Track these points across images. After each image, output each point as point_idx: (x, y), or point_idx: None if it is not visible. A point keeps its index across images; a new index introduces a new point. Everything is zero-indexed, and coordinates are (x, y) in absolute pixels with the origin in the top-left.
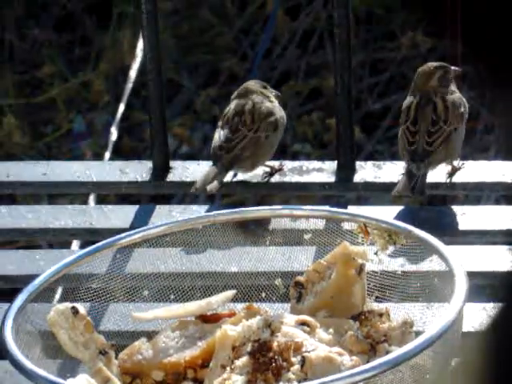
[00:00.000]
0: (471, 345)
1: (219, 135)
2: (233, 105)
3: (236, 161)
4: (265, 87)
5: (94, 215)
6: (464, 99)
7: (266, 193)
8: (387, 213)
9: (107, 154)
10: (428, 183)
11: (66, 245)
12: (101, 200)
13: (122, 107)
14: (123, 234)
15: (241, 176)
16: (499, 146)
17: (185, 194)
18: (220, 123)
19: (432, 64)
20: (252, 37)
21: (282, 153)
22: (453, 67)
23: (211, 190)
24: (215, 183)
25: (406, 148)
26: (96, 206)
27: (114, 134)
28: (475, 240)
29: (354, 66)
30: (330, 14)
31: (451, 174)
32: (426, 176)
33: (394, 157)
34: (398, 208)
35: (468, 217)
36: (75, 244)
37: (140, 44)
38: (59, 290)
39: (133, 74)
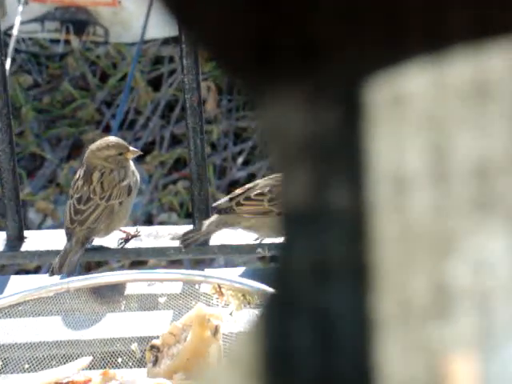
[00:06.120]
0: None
1: (70, 206)
2: (81, 172)
3: (91, 234)
4: (108, 147)
5: None
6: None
7: (123, 258)
8: (241, 273)
9: None
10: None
11: None
12: None
13: None
14: None
15: (96, 242)
16: None
17: (38, 266)
18: (70, 192)
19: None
20: (114, 108)
21: (149, 222)
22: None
23: (70, 272)
24: (73, 262)
25: None
26: None
27: None
28: None
29: (219, 135)
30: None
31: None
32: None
33: None
34: (253, 269)
35: None
36: None
37: None
38: None
39: None
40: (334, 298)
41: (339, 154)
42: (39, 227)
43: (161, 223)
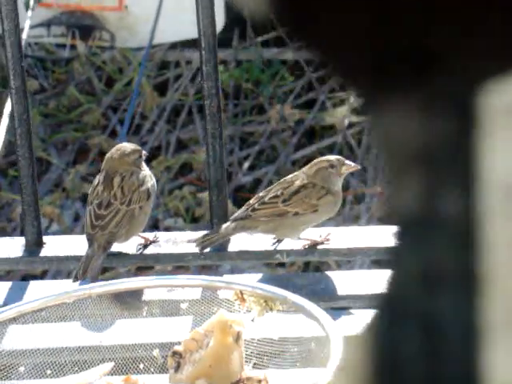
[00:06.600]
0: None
1: (90, 212)
2: (101, 178)
3: (113, 239)
4: (133, 152)
5: None
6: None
7: (141, 264)
8: (263, 279)
9: None
10: (301, 249)
11: None
12: None
13: None
14: None
15: (114, 248)
16: (370, 215)
17: (45, 270)
18: (89, 198)
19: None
20: (120, 113)
21: (155, 227)
22: (347, 162)
23: (93, 277)
24: (96, 267)
25: None
26: None
27: None
28: (350, 304)
29: (224, 140)
30: (198, 88)
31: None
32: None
33: None
34: (274, 275)
35: (342, 282)
36: None
37: (3, 123)
38: None
39: None
40: (444, 305)
41: (451, 163)
42: (45, 232)
43: (166, 228)
